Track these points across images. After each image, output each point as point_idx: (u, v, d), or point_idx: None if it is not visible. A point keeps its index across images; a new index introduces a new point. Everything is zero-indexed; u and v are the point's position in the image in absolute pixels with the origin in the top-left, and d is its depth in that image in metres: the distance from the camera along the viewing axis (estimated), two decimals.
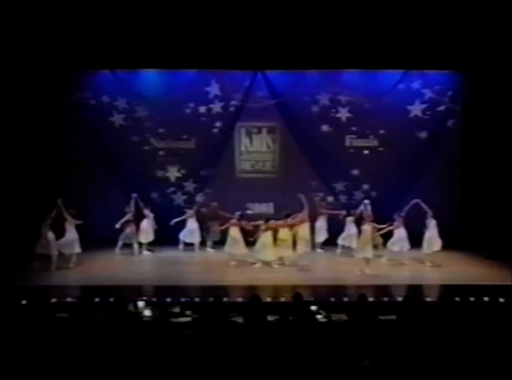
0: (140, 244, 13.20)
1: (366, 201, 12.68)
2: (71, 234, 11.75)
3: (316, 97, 14.37)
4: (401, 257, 12.07)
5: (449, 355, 5.19)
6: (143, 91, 14.29)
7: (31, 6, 11.10)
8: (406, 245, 11.98)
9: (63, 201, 11.80)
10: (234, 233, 12.05)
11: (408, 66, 13.83)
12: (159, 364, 5.06)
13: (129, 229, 12.93)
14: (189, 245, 13.45)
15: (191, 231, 13.33)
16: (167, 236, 13.43)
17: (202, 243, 13.57)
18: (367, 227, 11.51)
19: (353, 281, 10.61)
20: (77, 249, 11.76)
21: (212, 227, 13.40)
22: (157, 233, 13.40)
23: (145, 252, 13.22)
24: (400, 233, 11.99)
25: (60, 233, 11.71)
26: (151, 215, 13.35)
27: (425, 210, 11.97)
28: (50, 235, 11.48)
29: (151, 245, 13.39)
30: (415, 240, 12.06)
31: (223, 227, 12.40)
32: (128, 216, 12.87)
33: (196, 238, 13.39)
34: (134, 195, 13.17)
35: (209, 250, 13.53)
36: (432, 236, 11.99)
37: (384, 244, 12.41)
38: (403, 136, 14.27)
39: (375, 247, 12.05)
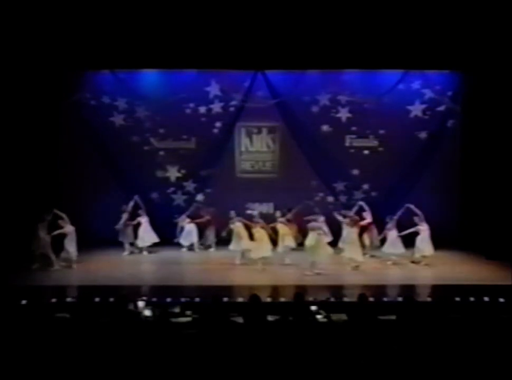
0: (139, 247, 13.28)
1: (361, 202, 12.76)
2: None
3: (316, 97, 14.36)
4: (402, 258, 12.11)
5: (449, 356, 5.19)
6: (143, 91, 14.29)
7: (31, 6, 11.12)
8: (399, 247, 12.01)
9: (62, 203, 11.84)
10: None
11: (408, 66, 13.81)
12: (159, 364, 5.06)
13: (129, 229, 12.99)
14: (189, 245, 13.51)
15: (188, 233, 13.36)
16: (167, 236, 13.44)
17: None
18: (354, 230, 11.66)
19: (353, 281, 10.63)
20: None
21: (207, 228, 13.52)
22: (156, 232, 13.41)
23: (145, 253, 13.25)
24: (392, 235, 12.03)
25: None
26: (146, 218, 13.28)
27: (417, 214, 11.98)
28: (43, 235, 11.48)
29: (153, 245, 13.44)
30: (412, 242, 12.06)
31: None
32: (126, 216, 12.91)
33: (194, 238, 13.41)
34: (135, 196, 13.22)
35: (211, 250, 13.59)
36: (423, 240, 11.94)
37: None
38: (403, 136, 14.26)
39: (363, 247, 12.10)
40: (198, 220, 13.45)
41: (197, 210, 13.69)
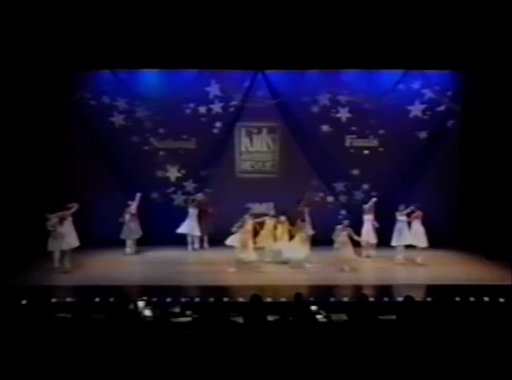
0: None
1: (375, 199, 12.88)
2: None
3: (316, 97, 14.35)
4: (402, 258, 12.13)
5: (449, 356, 5.19)
6: (143, 91, 14.26)
7: (30, 6, 11.12)
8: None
9: (62, 203, 11.84)
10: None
11: (408, 66, 13.79)
12: (159, 364, 5.07)
13: (133, 225, 13.00)
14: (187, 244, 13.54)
15: (187, 222, 13.40)
16: (166, 236, 13.44)
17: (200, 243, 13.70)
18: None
19: (353, 281, 10.64)
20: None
21: (204, 219, 13.56)
22: (156, 233, 13.44)
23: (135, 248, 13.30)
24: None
25: None
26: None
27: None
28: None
29: (148, 245, 13.46)
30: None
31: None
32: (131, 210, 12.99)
33: (188, 230, 13.41)
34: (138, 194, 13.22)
35: (205, 246, 13.68)
36: (417, 231, 12.05)
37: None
38: (403, 136, 14.24)
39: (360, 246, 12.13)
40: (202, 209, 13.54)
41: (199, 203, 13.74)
